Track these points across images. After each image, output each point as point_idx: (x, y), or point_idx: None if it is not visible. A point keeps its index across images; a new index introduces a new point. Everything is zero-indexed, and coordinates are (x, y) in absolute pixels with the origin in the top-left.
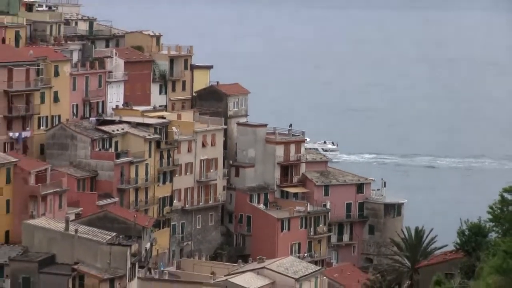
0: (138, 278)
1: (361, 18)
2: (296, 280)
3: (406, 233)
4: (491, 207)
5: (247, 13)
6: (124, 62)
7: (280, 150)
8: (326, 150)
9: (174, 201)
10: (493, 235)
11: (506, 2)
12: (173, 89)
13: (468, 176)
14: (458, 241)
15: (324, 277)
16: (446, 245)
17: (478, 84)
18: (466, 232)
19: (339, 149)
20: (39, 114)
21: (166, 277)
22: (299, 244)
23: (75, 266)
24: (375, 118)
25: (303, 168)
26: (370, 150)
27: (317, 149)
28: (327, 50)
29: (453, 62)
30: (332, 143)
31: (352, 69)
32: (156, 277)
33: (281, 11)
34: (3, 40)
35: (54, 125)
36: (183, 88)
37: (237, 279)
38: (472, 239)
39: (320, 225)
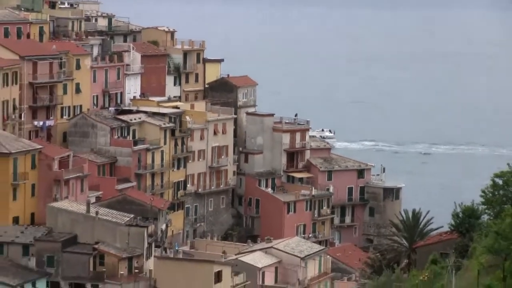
0: (155, 257)
1: (362, 16)
2: (302, 259)
3: (404, 215)
4: (483, 191)
5: (259, 11)
6: (141, 56)
7: (286, 138)
8: (324, 138)
9: (188, 185)
10: (485, 217)
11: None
12: (187, 81)
13: (461, 163)
14: (453, 223)
15: (328, 256)
16: (441, 227)
17: (469, 76)
18: (460, 215)
19: (336, 136)
20: (62, 104)
21: (181, 256)
22: (304, 226)
23: (96, 246)
24: (373, 109)
25: (307, 154)
26: (368, 138)
27: (315, 137)
28: (331, 46)
29: (448, 56)
30: (330, 131)
31: (356, 63)
32: (171, 256)
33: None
34: (28, 36)
35: (76, 114)
36: (196, 80)
37: (246, 258)
38: (466, 221)
39: (324, 208)
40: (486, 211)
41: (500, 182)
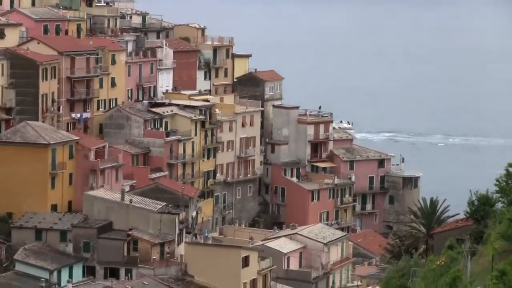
0: (185, 242)
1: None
2: (325, 244)
3: (422, 203)
4: (497, 180)
5: (286, 10)
6: (173, 51)
7: (310, 130)
8: (342, 129)
9: (217, 175)
10: (499, 205)
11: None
12: (216, 76)
13: (477, 153)
14: (468, 210)
15: (349, 242)
16: (457, 214)
17: (481, 70)
18: (475, 202)
19: (355, 127)
20: (98, 97)
21: (210, 242)
22: (327, 213)
23: (130, 232)
24: (392, 101)
25: (331, 145)
26: (387, 129)
27: (334, 128)
28: (353, 43)
29: (461, 51)
30: (348, 122)
31: (375, 58)
32: (201, 241)
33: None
34: (66, 32)
35: (111, 107)
36: (225, 75)
37: (272, 244)
38: (481, 208)
39: (346, 196)
40: (500, 199)
41: None
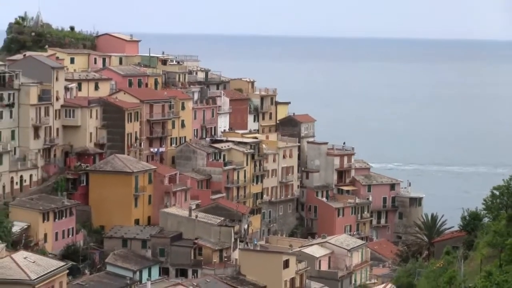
0: (239, 249)
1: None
2: (348, 250)
3: (424, 218)
4: (484, 200)
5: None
6: (229, 100)
7: (337, 160)
8: (361, 160)
9: (264, 196)
10: (486, 220)
11: None
12: (263, 118)
13: (468, 179)
14: (461, 224)
15: (368, 249)
16: (453, 227)
17: (480, 112)
18: (467, 218)
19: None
20: (171, 135)
21: (258, 248)
22: (350, 226)
23: (196, 241)
24: (401, 139)
25: (353, 172)
26: (397, 160)
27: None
28: (373, 92)
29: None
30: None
31: (390, 104)
32: (252, 248)
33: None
34: (146, 85)
35: (181, 143)
36: (270, 118)
37: (307, 250)
38: (471, 222)
39: (365, 213)
40: (487, 215)
41: (497, 193)
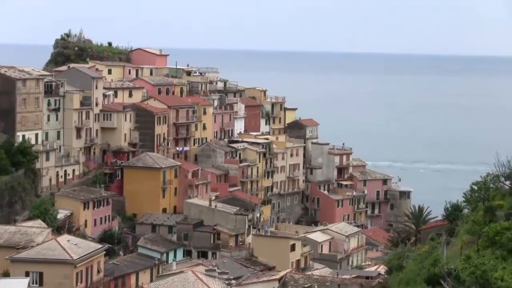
0: (252, 234)
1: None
2: (346, 236)
3: (412, 209)
4: (464, 193)
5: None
6: (244, 106)
7: (337, 159)
8: (358, 158)
9: (274, 189)
10: (465, 211)
11: None
12: (273, 122)
13: (450, 175)
14: (444, 214)
15: (363, 235)
16: (437, 216)
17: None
18: (449, 209)
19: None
20: (194, 136)
21: (269, 234)
22: (348, 215)
23: (215, 227)
24: (395, 140)
25: (350, 169)
26: (389, 159)
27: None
28: (371, 100)
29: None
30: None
31: (394, 110)
32: (263, 234)
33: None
34: (173, 93)
35: (203, 143)
36: (279, 122)
37: (310, 236)
38: (453, 213)
39: (361, 204)
40: (466, 206)
41: (476, 188)
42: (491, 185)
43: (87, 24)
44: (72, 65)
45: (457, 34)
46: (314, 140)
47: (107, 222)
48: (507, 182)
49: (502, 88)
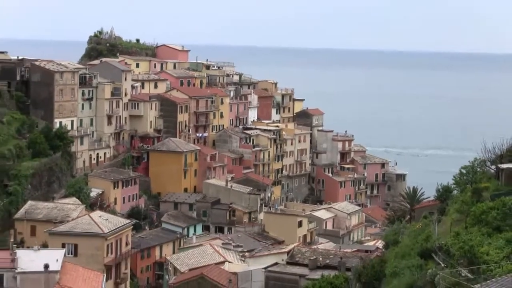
0: (264, 212)
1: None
2: (348, 214)
3: (407, 190)
4: (454, 176)
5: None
6: (257, 97)
7: (340, 144)
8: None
9: (283, 171)
10: (455, 192)
11: None
12: (283, 111)
13: (441, 160)
14: (436, 194)
15: (363, 213)
16: (429, 197)
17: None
18: (440, 190)
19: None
20: (212, 124)
21: (278, 212)
22: (350, 195)
23: (230, 205)
24: (393, 128)
25: (352, 154)
26: (387, 145)
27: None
28: (372, 91)
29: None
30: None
31: (395, 101)
32: (273, 211)
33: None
34: (194, 85)
35: (220, 130)
36: (289, 111)
37: (316, 213)
38: (444, 194)
39: (361, 185)
40: (456, 188)
41: (464, 171)
42: (478, 169)
43: (117, 22)
44: (104, 59)
45: (453, 31)
46: (320, 128)
47: (134, 200)
48: (493, 167)
49: (493, 83)
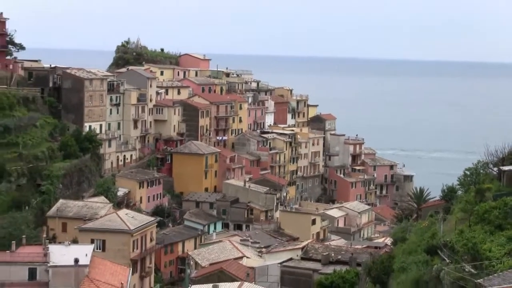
0: (280, 210)
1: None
2: (358, 213)
3: (415, 190)
4: (459, 178)
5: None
6: (274, 102)
7: (351, 147)
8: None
9: (298, 172)
10: (459, 192)
11: None
12: (298, 116)
13: (445, 162)
14: (441, 195)
15: (373, 212)
16: (435, 197)
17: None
18: (446, 190)
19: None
20: (231, 128)
21: (293, 210)
22: (360, 195)
23: (248, 204)
24: (400, 133)
25: (362, 156)
26: (395, 147)
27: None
28: (380, 98)
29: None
30: (362, 138)
31: (402, 107)
32: (289, 210)
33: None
34: (214, 91)
35: (239, 133)
36: (303, 116)
37: (328, 212)
38: (449, 194)
39: (371, 186)
40: (460, 189)
41: (468, 173)
42: (481, 171)
43: (143, 33)
44: (130, 67)
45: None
46: (332, 132)
47: (158, 198)
48: (495, 169)
49: (495, 90)
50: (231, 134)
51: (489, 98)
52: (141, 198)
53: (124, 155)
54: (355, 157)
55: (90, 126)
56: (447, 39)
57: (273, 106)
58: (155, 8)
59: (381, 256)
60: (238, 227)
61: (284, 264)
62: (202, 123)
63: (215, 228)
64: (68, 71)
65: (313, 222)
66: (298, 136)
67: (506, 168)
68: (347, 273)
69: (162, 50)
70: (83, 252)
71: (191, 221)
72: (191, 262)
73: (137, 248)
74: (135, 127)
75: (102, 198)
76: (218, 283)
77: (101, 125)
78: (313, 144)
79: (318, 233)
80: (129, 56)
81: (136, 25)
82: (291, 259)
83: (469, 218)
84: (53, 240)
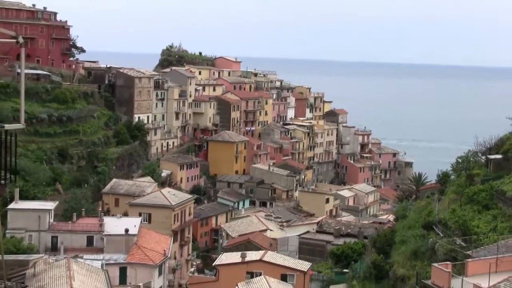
0: (299, 190)
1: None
2: (366, 193)
3: (414, 175)
4: (452, 165)
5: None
6: (295, 99)
7: (360, 138)
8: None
9: (314, 158)
10: (452, 177)
11: None
12: (315, 111)
13: (441, 151)
14: (437, 179)
15: (378, 192)
16: (431, 180)
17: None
18: (441, 175)
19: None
20: (258, 120)
21: (310, 190)
22: (367, 178)
23: (272, 185)
24: (404, 125)
25: (370, 145)
26: (397, 138)
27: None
28: (387, 95)
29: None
30: (369, 130)
31: (403, 105)
32: (306, 190)
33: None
34: (244, 89)
35: (265, 125)
36: (320, 110)
37: (340, 192)
38: (443, 178)
39: (377, 170)
40: (453, 174)
41: (460, 160)
42: (471, 159)
43: (184, 38)
44: (173, 68)
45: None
46: (344, 124)
47: (196, 179)
48: (483, 157)
49: (487, 91)
50: (258, 125)
51: (479, 98)
52: (181, 178)
53: (167, 142)
54: (363, 146)
55: (139, 117)
56: (446, 42)
57: (294, 101)
58: (194, 15)
59: (384, 230)
60: (263, 204)
61: (302, 236)
62: (234, 116)
63: (243, 204)
64: (121, 70)
65: (327, 201)
66: (315, 128)
67: (492, 156)
68: (355, 245)
69: (200, 53)
70: (132, 223)
71: (223, 199)
72: (223, 233)
73: (177, 221)
74: (177, 118)
75: (148, 178)
76: (245, 251)
77: (148, 117)
78: (327, 135)
79: (331, 210)
80: (172, 58)
81: (179, 31)
82: (308, 232)
83: (460, 199)
84: (107, 213)
